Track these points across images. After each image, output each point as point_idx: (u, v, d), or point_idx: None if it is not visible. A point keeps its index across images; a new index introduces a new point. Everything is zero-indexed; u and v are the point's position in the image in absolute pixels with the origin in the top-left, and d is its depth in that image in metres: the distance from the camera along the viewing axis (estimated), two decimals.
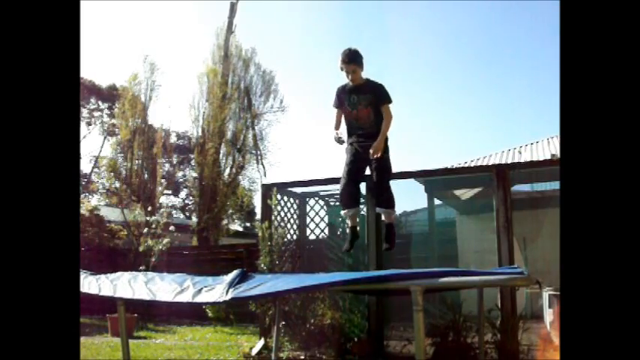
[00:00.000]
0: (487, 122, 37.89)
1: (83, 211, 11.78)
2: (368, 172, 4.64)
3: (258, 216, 7.36)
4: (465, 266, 7.86)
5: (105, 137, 25.81)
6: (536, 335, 5.28)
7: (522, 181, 8.12)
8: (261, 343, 5.58)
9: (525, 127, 34.92)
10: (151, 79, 14.57)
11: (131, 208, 12.83)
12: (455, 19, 32.29)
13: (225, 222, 16.76)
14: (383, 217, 4.71)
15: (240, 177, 16.70)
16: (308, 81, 37.78)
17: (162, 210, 15.64)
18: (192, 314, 9.95)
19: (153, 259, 8.85)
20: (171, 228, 10.69)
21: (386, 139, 4.45)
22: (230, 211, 17.81)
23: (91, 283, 2.74)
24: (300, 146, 38.18)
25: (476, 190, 8.96)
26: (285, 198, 6.31)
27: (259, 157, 16.36)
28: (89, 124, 27.00)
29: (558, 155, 8.40)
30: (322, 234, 6.68)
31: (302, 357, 5.17)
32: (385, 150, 4.43)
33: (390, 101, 4.44)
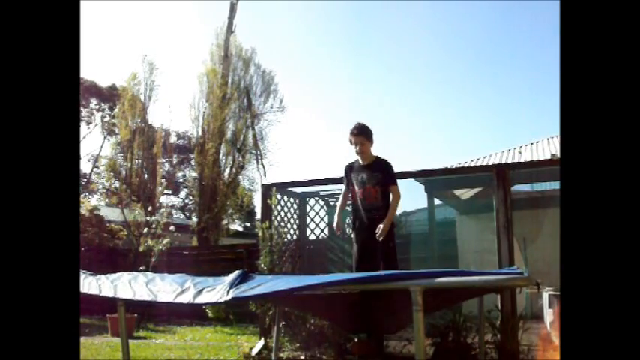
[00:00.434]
0: (487, 122, 37.94)
1: (83, 211, 11.77)
2: None
3: (258, 216, 7.36)
4: (465, 266, 7.86)
5: (105, 137, 25.83)
6: (536, 335, 5.27)
7: (522, 181, 8.12)
8: (261, 343, 5.58)
9: (525, 127, 34.97)
10: (150, 78, 14.57)
11: (131, 208, 12.82)
12: (455, 19, 32.32)
13: (225, 222, 16.75)
14: None
15: (240, 177, 16.70)
16: (308, 81, 37.80)
17: (162, 210, 15.64)
18: (192, 314, 9.94)
19: (153, 259, 8.85)
20: (172, 228, 10.69)
21: (393, 225, 4.39)
22: (230, 211, 17.79)
23: (91, 284, 2.74)
24: (300, 146, 38.21)
25: (476, 190, 8.96)
26: (285, 198, 6.30)
27: (259, 157, 16.36)
28: (89, 123, 26.99)
29: (558, 155, 8.40)
30: (322, 234, 6.68)
31: (302, 357, 5.17)
32: (391, 238, 4.37)
33: (396, 183, 4.42)
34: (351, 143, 4.45)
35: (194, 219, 18.19)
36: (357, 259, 4.55)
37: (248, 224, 26.31)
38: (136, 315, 8.12)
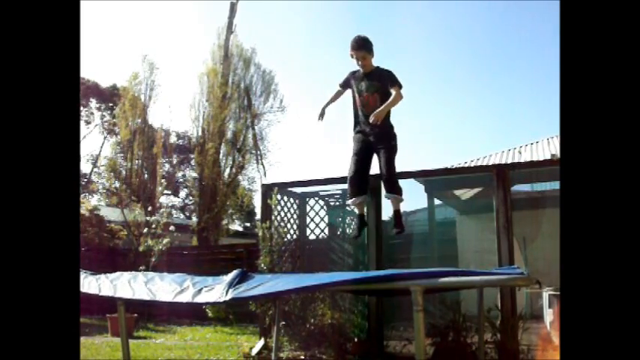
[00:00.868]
0: (487, 122, 37.91)
1: (83, 211, 11.78)
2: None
3: (258, 216, 7.35)
4: (465, 266, 7.85)
5: (105, 137, 25.84)
6: (536, 335, 5.27)
7: (522, 181, 8.11)
8: (261, 343, 5.58)
9: (525, 127, 34.93)
10: (150, 78, 14.60)
11: (131, 208, 12.83)
12: (455, 19, 32.31)
13: (225, 222, 16.76)
14: (391, 204, 4.69)
15: (240, 177, 16.71)
16: (308, 81, 37.79)
17: (162, 210, 15.66)
18: (192, 314, 9.95)
19: (153, 259, 8.85)
20: (172, 228, 10.70)
21: (392, 128, 4.47)
22: (230, 211, 17.82)
23: (91, 283, 2.74)
24: (300, 146, 38.17)
25: (476, 190, 8.96)
26: (285, 198, 6.30)
27: (259, 157, 16.36)
28: (89, 123, 26.97)
29: (558, 155, 8.39)
30: (322, 234, 6.67)
31: (302, 357, 5.17)
32: (392, 137, 4.46)
33: (400, 85, 4.40)
34: (352, 57, 4.46)
35: (194, 219, 18.22)
36: (355, 151, 4.59)
37: (248, 224, 26.31)
38: (136, 315, 8.12)
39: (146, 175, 14.05)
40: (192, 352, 5.91)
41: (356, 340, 5.34)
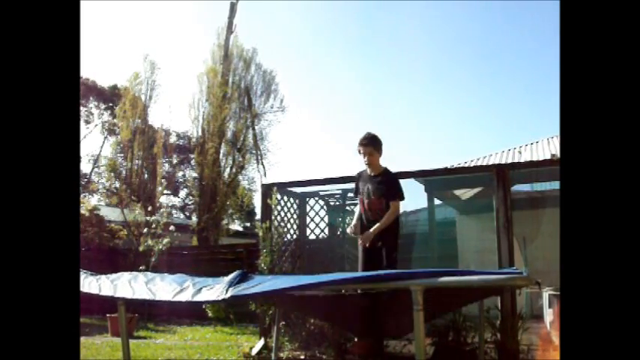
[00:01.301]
0: (487, 122, 37.89)
1: (83, 211, 11.77)
2: None
3: (258, 216, 7.35)
4: (464, 266, 7.86)
5: (105, 137, 25.84)
6: (536, 335, 5.28)
7: (522, 181, 8.11)
8: (261, 343, 5.58)
9: (525, 127, 34.91)
10: (151, 78, 14.60)
11: (131, 208, 12.83)
12: (455, 19, 32.32)
13: (225, 222, 16.76)
14: None
15: (240, 177, 16.71)
16: (308, 81, 37.79)
17: (162, 210, 15.66)
18: (192, 314, 9.95)
19: (153, 259, 8.86)
20: (172, 228, 10.69)
21: (396, 239, 4.40)
22: (230, 211, 17.81)
23: (91, 283, 2.74)
24: (300, 146, 38.19)
25: (476, 190, 8.96)
26: (285, 198, 6.30)
27: (259, 157, 16.36)
28: (87, 121, 26.96)
29: (558, 155, 8.39)
30: (322, 234, 6.68)
31: (302, 357, 5.17)
32: (394, 249, 4.37)
33: (400, 199, 4.39)
34: (359, 153, 4.43)
35: (194, 219, 18.22)
36: (361, 266, 4.56)
37: (248, 224, 26.31)
38: (136, 315, 8.12)
39: (146, 175, 14.06)
40: (192, 352, 5.91)
41: (356, 340, 5.34)
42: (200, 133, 15.45)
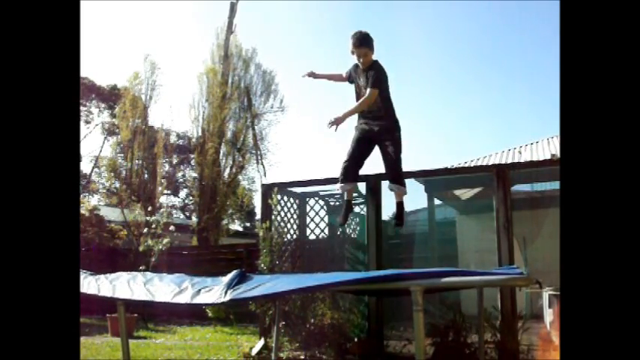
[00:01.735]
0: (487, 122, 37.86)
1: (83, 211, 11.78)
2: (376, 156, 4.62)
3: (258, 216, 7.35)
4: (464, 266, 7.85)
5: (105, 137, 25.83)
6: (536, 335, 5.28)
7: (522, 181, 8.11)
8: (261, 343, 5.58)
9: (525, 127, 34.89)
10: (151, 78, 14.60)
11: (131, 208, 12.84)
12: (455, 19, 32.31)
13: (225, 222, 16.77)
14: (394, 196, 4.69)
15: (240, 177, 16.72)
16: (308, 81, 37.72)
17: (162, 210, 15.66)
18: (192, 314, 9.95)
19: (153, 259, 8.85)
20: (172, 228, 10.68)
21: (397, 122, 4.46)
22: (230, 211, 17.81)
23: (90, 284, 2.74)
24: (300, 146, 38.15)
25: (476, 190, 8.96)
26: (285, 198, 6.30)
27: (259, 157, 16.37)
28: (87, 121, 26.95)
29: (558, 155, 8.39)
30: (322, 234, 6.67)
31: (302, 357, 5.17)
32: (396, 128, 4.46)
33: (375, 87, 4.35)
34: (352, 54, 4.43)
35: (194, 219, 18.22)
36: (354, 140, 4.59)
37: (248, 224, 26.31)
38: (136, 315, 8.12)
39: (146, 175, 14.06)
40: (192, 352, 5.91)
41: (356, 340, 5.34)
42: (200, 133, 15.45)
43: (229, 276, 2.41)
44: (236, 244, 13.56)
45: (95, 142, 43.51)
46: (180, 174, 26.27)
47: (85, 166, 26.22)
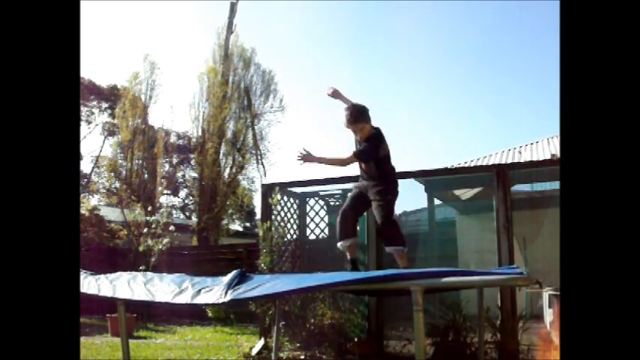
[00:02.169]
0: (487, 122, 37.87)
1: (83, 211, 11.77)
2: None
3: (258, 216, 7.35)
4: (464, 266, 7.85)
5: (105, 137, 25.83)
6: (536, 335, 5.27)
7: (522, 181, 8.10)
8: (261, 343, 5.58)
9: (525, 127, 34.87)
10: (151, 78, 14.60)
11: (131, 208, 12.83)
12: (455, 19, 32.31)
13: (225, 222, 16.77)
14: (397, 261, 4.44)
15: (240, 177, 16.71)
16: (308, 81, 37.78)
17: (162, 210, 15.64)
18: (192, 314, 9.94)
19: (153, 259, 8.85)
20: (171, 228, 10.68)
21: (391, 184, 4.34)
22: (230, 211, 17.81)
23: (90, 284, 2.74)
24: (300, 146, 37.99)
25: (476, 190, 8.95)
26: (285, 198, 6.30)
27: (259, 157, 16.37)
28: (89, 123, 26.97)
29: (558, 155, 8.39)
30: (322, 234, 6.68)
31: (302, 357, 5.17)
32: (388, 192, 4.31)
33: (356, 156, 4.29)
34: (347, 128, 4.33)
35: (194, 219, 18.23)
36: (349, 198, 4.54)
37: (248, 224, 26.30)
38: (135, 315, 8.12)
39: (146, 175, 14.06)
40: (192, 352, 5.91)
41: (356, 340, 5.34)
42: (200, 133, 15.45)
43: (229, 276, 2.41)
44: (236, 244, 13.55)
45: (95, 142, 43.49)
46: (180, 174, 26.26)
47: (85, 166, 26.23)
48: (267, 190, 6.06)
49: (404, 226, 9.65)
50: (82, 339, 6.59)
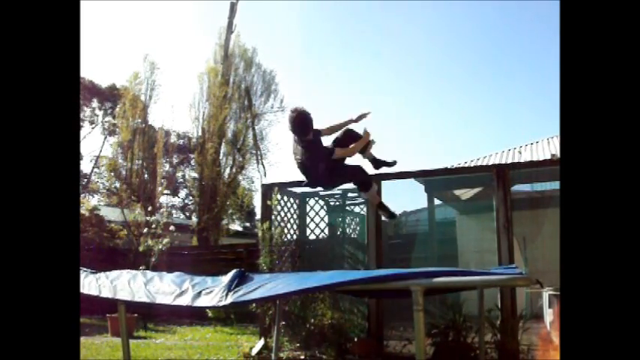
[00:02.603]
0: (487, 122, 37.87)
1: (83, 211, 11.77)
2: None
3: (258, 216, 7.35)
4: (464, 266, 7.85)
5: (105, 137, 25.83)
6: (536, 335, 5.27)
7: (522, 181, 8.10)
8: (261, 343, 5.58)
9: (525, 127, 34.87)
10: (151, 78, 14.59)
11: (131, 208, 12.83)
12: (455, 19, 32.30)
13: (225, 222, 16.76)
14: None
15: (240, 177, 16.71)
16: (308, 81, 37.76)
17: (162, 210, 15.65)
18: (192, 314, 9.93)
19: (153, 259, 8.84)
20: (172, 228, 10.67)
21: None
22: (230, 211, 17.80)
23: (91, 284, 2.73)
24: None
25: (476, 190, 8.95)
26: (285, 198, 6.30)
27: (259, 157, 16.36)
28: (91, 122, 26.97)
29: (558, 155, 8.39)
30: (322, 234, 6.68)
31: (302, 357, 5.17)
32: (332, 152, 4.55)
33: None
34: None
35: (194, 219, 18.21)
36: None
37: (248, 224, 26.29)
38: (136, 315, 8.12)
39: (146, 175, 14.05)
40: (192, 352, 5.90)
41: (356, 340, 5.34)
42: (200, 133, 15.45)
43: (229, 276, 2.41)
44: (236, 244, 13.55)
45: (95, 142, 43.48)
46: (180, 174, 26.25)
47: (85, 166, 26.23)
48: (267, 190, 6.06)
49: (404, 226, 9.67)
50: (82, 339, 6.59)
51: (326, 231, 6.68)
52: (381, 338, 5.34)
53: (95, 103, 26.95)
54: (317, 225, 6.65)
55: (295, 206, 6.53)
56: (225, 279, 2.39)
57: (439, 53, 34.99)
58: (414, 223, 9.77)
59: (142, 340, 7.07)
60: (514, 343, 4.64)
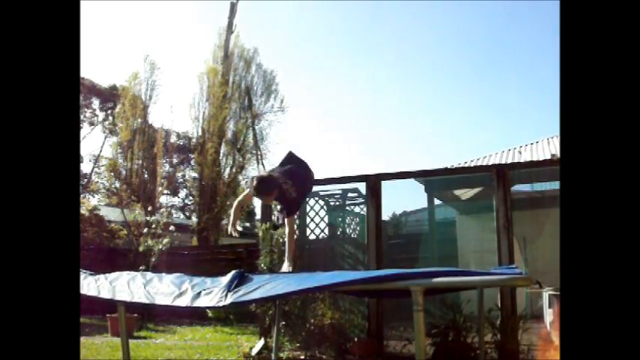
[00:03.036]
0: (487, 122, 37.87)
1: (83, 211, 11.78)
2: None
3: (258, 216, 7.35)
4: (464, 266, 7.85)
5: (105, 137, 25.82)
6: (536, 335, 5.28)
7: (522, 181, 8.11)
8: (261, 343, 5.58)
9: (525, 127, 34.88)
10: (151, 78, 14.59)
11: (131, 208, 12.83)
12: (456, 19, 32.30)
13: (225, 222, 16.75)
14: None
15: (240, 177, 16.70)
16: (309, 81, 37.76)
17: (162, 210, 15.64)
18: (192, 314, 9.93)
19: (153, 259, 8.84)
20: (172, 228, 10.68)
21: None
22: (230, 211, 17.78)
23: (90, 285, 2.73)
24: (300, 146, 38.10)
25: (476, 190, 8.95)
26: None
27: (259, 157, 16.35)
28: (91, 123, 26.96)
29: (558, 155, 8.38)
30: (322, 234, 6.68)
31: (302, 357, 5.17)
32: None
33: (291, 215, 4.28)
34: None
35: (194, 219, 18.20)
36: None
37: (248, 224, 26.28)
38: (136, 315, 8.12)
39: (146, 175, 14.05)
40: (192, 352, 5.90)
41: (356, 340, 5.34)
42: (200, 133, 15.45)
43: (229, 276, 2.40)
44: (236, 244, 13.53)
45: (95, 142, 43.49)
46: (180, 174, 26.23)
47: (85, 166, 26.22)
48: None
49: (404, 226, 9.68)
50: (82, 339, 6.59)
51: (326, 231, 6.68)
52: (381, 338, 5.34)
53: (95, 104, 26.94)
54: (317, 225, 6.65)
55: None
56: (225, 279, 2.39)
57: (439, 53, 35.01)
58: (414, 223, 9.78)
59: (142, 340, 7.07)
60: (514, 343, 4.64)
